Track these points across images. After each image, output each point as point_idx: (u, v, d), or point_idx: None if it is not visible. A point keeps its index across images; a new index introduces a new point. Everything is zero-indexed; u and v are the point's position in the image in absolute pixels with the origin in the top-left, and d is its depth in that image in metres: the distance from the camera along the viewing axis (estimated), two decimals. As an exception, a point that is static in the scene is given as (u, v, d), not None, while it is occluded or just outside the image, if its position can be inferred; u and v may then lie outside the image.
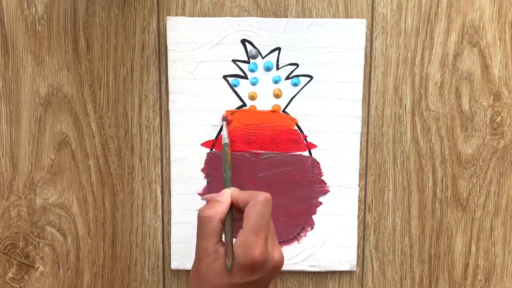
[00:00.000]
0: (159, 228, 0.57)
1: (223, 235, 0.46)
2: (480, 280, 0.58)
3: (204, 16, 0.54)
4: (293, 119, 0.55)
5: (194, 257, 0.57)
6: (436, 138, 0.56)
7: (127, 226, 0.57)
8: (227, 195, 0.47)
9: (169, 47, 0.54)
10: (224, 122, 0.54)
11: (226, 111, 0.55)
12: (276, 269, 0.45)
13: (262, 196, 0.45)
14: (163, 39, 0.55)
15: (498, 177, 0.57)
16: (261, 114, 0.55)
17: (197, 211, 0.47)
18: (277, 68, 0.55)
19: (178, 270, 0.58)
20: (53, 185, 0.56)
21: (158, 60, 0.55)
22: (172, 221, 0.56)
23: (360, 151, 0.56)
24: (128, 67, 0.55)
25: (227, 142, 0.52)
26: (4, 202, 0.56)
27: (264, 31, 0.54)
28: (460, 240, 0.58)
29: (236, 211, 0.47)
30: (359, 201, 0.57)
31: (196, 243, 0.46)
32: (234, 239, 0.45)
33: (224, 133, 0.54)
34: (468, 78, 0.56)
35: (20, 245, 0.57)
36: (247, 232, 0.43)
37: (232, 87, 0.55)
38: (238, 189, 0.48)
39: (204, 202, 0.51)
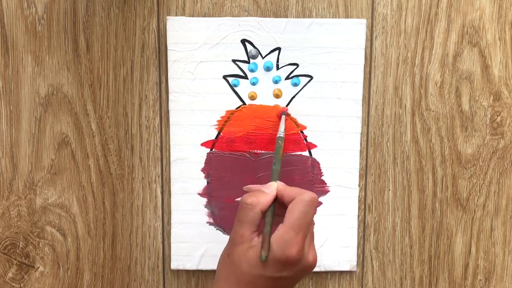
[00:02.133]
0: (159, 228, 0.57)
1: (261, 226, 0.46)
2: (480, 280, 0.58)
3: (204, 16, 0.54)
4: (300, 125, 0.55)
5: (194, 256, 0.57)
6: (436, 138, 0.56)
7: (127, 226, 0.57)
8: (273, 187, 0.47)
9: (169, 47, 0.54)
10: (283, 116, 0.54)
11: (283, 108, 0.54)
12: (307, 270, 0.45)
13: (309, 195, 0.45)
14: (163, 39, 0.55)
15: (498, 177, 0.57)
16: (266, 109, 0.55)
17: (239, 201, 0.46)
18: (277, 68, 0.55)
19: (178, 270, 0.58)
20: (53, 185, 0.56)
21: (158, 60, 0.55)
22: (172, 221, 0.56)
23: (360, 151, 0.56)
24: (128, 67, 0.55)
25: (282, 136, 0.52)
26: (4, 202, 0.56)
27: (264, 31, 0.54)
28: (460, 240, 0.58)
29: (279, 205, 0.46)
30: (359, 201, 0.57)
31: (233, 228, 0.45)
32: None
33: (281, 127, 0.53)
34: (468, 78, 0.56)
35: (20, 245, 0.57)
36: (288, 228, 0.44)
37: (232, 87, 0.55)
38: (285, 184, 0.48)
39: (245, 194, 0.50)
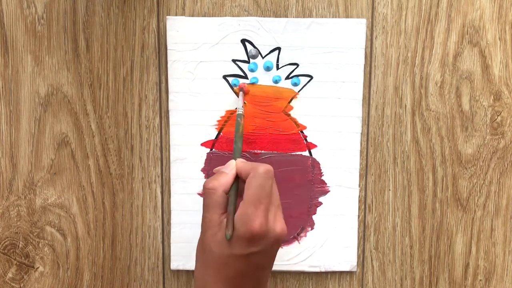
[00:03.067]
0: (159, 228, 0.57)
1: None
2: (480, 280, 0.58)
3: (204, 16, 0.54)
4: (300, 125, 0.55)
5: (194, 257, 0.57)
6: (436, 138, 0.56)
7: (127, 226, 0.57)
8: (232, 166, 0.47)
9: (169, 47, 0.54)
10: (241, 92, 0.54)
11: (241, 83, 0.54)
12: (277, 242, 0.45)
13: (263, 167, 0.44)
14: (163, 39, 0.55)
15: (498, 177, 0.57)
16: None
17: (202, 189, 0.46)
18: (277, 68, 0.55)
19: (178, 270, 0.58)
20: (53, 185, 0.56)
21: (158, 60, 0.55)
22: (172, 221, 0.56)
23: (360, 151, 0.56)
24: (128, 67, 0.55)
25: (241, 113, 0.52)
26: (4, 202, 0.56)
27: (264, 31, 0.54)
28: (461, 240, 0.58)
29: (241, 182, 0.46)
30: (359, 201, 0.57)
31: (202, 215, 0.46)
32: None
33: (240, 103, 0.53)
34: (468, 78, 0.56)
35: (20, 245, 0.57)
36: (247, 204, 0.43)
37: (232, 87, 0.55)
38: (244, 160, 0.48)
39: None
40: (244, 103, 0.53)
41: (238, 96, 0.54)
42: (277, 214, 0.45)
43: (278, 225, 0.45)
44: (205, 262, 0.46)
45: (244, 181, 0.46)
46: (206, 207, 0.45)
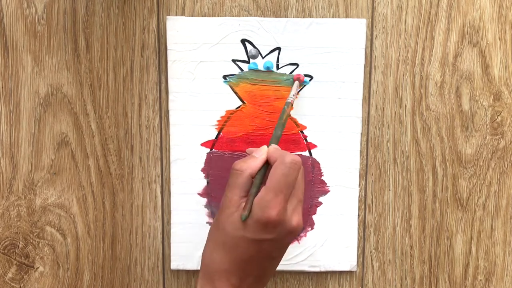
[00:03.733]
0: (159, 228, 0.57)
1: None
2: (480, 280, 0.58)
3: (204, 16, 0.54)
4: (300, 125, 0.55)
5: (194, 256, 0.57)
6: (436, 138, 0.56)
7: (127, 226, 0.57)
8: (263, 151, 0.47)
9: (169, 47, 0.54)
10: (296, 82, 0.53)
11: (298, 74, 0.54)
12: (291, 234, 0.45)
13: (290, 157, 0.44)
14: (163, 39, 0.55)
15: (498, 177, 0.57)
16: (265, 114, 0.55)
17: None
18: (277, 68, 0.55)
19: (178, 270, 0.58)
20: (53, 185, 0.56)
21: (158, 60, 0.55)
22: (172, 221, 0.56)
23: (360, 151, 0.56)
24: (128, 67, 0.55)
25: (289, 101, 0.51)
26: (4, 202, 0.56)
27: (264, 31, 0.54)
28: (461, 240, 0.58)
29: (270, 169, 0.46)
30: (359, 201, 0.57)
31: (224, 194, 0.46)
32: None
33: (293, 91, 0.52)
34: (468, 78, 0.56)
35: (20, 245, 0.57)
36: (268, 190, 0.44)
37: (232, 87, 0.55)
38: (278, 147, 0.48)
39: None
40: (295, 95, 0.52)
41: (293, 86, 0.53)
42: (297, 208, 0.45)
43: (295, 218, 0.45)
44: (216, 241, 0.46)
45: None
46: (229, 187, 0.45)
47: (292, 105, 0.52)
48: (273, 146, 0.48)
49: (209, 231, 0.48)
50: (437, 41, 0.55)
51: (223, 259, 0.45)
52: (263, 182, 0.46)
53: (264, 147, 0.48)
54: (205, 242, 0.48)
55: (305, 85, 0.55)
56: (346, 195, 0.56)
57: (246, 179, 0.45)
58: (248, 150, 0.50)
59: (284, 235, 0.45)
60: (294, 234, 0.45)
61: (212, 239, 0.47)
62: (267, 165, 0.47)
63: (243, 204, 0.45)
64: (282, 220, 0.44)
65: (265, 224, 0.43)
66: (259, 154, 0.47)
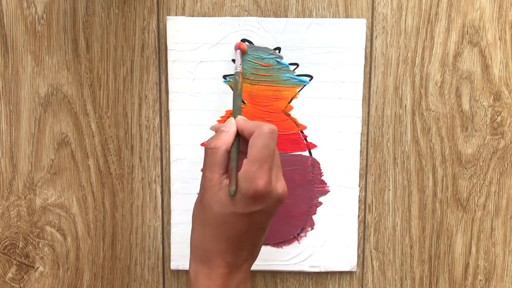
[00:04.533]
0: (159, 228, 0.57)
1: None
2: (480, 280, 0.58)
3: (204, 16, 0.54)
4: (300, 125, 0.55)
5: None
6: (436, 138, 0.56)
7: (127, 226, 0.57)
8: (232, 124, 0.47)
9: (169, 47, 0.54)
10: (238, 51, 0.53)
11: (238, 43, 0.53)
12: (279, 202, 0.45)
13: (267, 127, 0.45)
14: (163, 39, 0.55)
15: (498, 177, 0.57)
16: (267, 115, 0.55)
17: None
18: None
19: (178, 270, 0.58)
20: (53, 185, 0.56)
21: (158, 60, 0.55)
22: (172, 221, 0.56)
23: (360, 151, 0.56)
24: (128, 67, 0.55)
25: (238, 71, 0.51)
26: (4, 202, 0.56)
27: (264, 31, 0.54)
28: (460, 240, 0.58)
29: (242, 141, 0.46)
30: (359, 201, 0.57)
31: (202, 175, 0.46)
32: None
33: (237, 61, 0.52)
34: (468, 78, 0.56)
35: (20, 245, 0.57)
36: (251, 162, 0.44)
37: (232, 87, 0.55)
38: (245, 118, 0.48)
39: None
40: (241, 63, 0.52)
41: (236, 56, 0.53)
42: (279, 175, 0.45)
43: (280, 184, 0.45)
44: (204, 222, 0.45)
45: (245, 139, 0.46)
46: (207, 167, 0.45)
47: (242, 74, 0.51)
48: (241, 118, 0.48)
49: (193, 215, 0.47)
50: (437, 41, 0.55)
51: (215, 238, 0.45)
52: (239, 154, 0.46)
53: (231, 119, 0.47)
54: (191, 226, 0.47)
55: (305, 85, 0.55)
56: (346, 195, 0.56)
57: (223, 155, 0.45)
58: (213, 127, 0.49)
59: (272, 204, 0.45)
60: (281, 201, 0.45)
61: (199, 221, 0.46)
62: (238, 136, 0.46)
63: (225, 181, 0.45)
64: (269, 189, 0.44)
65: (254, 196, 0.43)
66: (229, 128, 0.46)
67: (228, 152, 0.45)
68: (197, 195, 0.56)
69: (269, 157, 0.44)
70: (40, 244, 0.57)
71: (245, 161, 0.44)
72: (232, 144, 0.46)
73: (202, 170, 0.46)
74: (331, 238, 0.57)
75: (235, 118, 0.48)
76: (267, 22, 0.54)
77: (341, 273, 0.58)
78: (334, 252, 0.57)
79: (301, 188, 0.56)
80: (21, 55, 0.54)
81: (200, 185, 0.46)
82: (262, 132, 0.44)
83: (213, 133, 0.49)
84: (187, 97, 0.55)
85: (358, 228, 0.57)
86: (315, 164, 0.56)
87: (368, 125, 0.56)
